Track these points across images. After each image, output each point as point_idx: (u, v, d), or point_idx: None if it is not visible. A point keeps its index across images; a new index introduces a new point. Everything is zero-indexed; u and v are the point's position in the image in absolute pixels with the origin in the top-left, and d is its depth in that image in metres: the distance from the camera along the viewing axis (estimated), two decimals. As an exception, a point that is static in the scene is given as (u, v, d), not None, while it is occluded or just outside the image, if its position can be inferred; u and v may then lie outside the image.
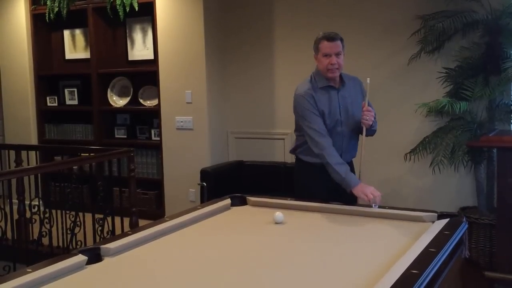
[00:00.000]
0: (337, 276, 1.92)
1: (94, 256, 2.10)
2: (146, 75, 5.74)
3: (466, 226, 2.49)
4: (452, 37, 4.43)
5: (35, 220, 4.28)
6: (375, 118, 3.20)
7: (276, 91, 5.29)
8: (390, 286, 1.65)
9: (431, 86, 4.55)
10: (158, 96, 5.56)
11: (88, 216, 4.35)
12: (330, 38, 3.03)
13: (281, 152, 5.21)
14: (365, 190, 2.84)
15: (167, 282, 1.90)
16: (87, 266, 2.04)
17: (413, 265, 1.86)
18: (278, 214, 2.63)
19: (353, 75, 3.34)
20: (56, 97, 6.30)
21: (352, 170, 3.22)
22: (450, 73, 4.42)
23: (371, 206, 2.77)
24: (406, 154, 4.63)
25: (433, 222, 2.52)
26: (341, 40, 3.08)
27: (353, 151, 3.30)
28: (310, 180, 3.22)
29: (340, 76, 3.17)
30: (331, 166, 2.97)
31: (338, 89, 3.15)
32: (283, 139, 5.25)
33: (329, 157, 2.98)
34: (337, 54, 3.04)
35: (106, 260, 2.11)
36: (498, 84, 4.05)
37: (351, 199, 3.01)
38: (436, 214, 2.59)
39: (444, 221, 2.46)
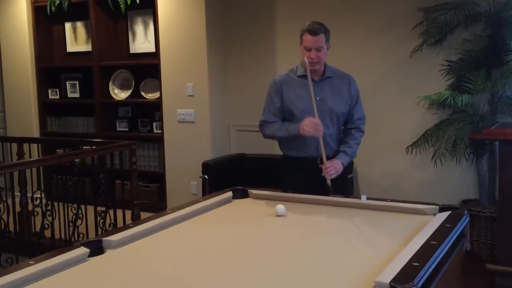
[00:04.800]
0: (338, 269, 1.93)
1: (96, 249, 2.11)
2: (147, 67, 5.73)
3: (468, 218, 2.49)
4: (455, 30, 4.41)
5: (37, 212, 4.30)
6: (354, 142, 3.19)
7: (278, 84, 5.28)
8: (391, 279, 1.65)
9: (433, 78, 4.54)
10: (159, 89, 5.56)
11: (90, 209, 4.36)
12: (313, 31, 3.01)
13: (283, 145, 5.21)
14: (305, 123, 2.94)
15: (169, 274, 1.91)
16: (89, 258, 2.04)
17: (414, 258, 1.86)
18: (280, 207, 2.63)
19: (347, 73, 3.28)
20: (57, 90, 6.29)
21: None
22: (452, 65, 4.40)
23: (360, 198, 2.79)
24: (407, 147, 4.63)
25: (434, 215, 2.52)
26: (326, 32, 3.05)
27: (333, 146, 3.19)
28: (289, 173, 3.26)
29: (324, 67, 3.16)
30: (275, 134, 3.16)
31: (317, 81, 3.13)
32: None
33: (268, 129, 3.17)
34: (318, 49, 3.03)
35: (108, 253, 2.12)
36: (500, 76, 4.04)
37: (328, 189, 3.03)
38: (437, 207, 2.59)
39: (446, 214, 2.46)
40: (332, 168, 3.02)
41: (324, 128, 3.05)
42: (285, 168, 3.32)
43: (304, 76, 3.10)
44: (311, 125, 2.94)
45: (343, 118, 3.20)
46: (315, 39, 3.01)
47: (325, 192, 2.97)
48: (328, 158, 3.07)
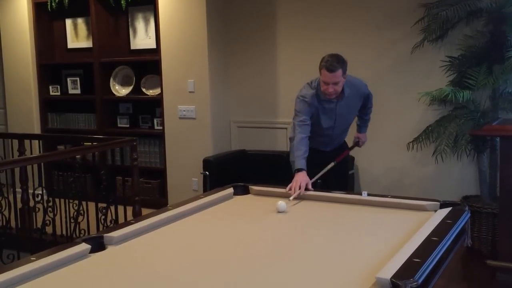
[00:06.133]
0: (339, 265, 1.93)
1: (98, 245, 2.11)
2: (148, 64, 5.73)
3: (469, 215, 2.49)
4: (456, 26, 4.40)
5: (39, 209, 4.30)
6: (369, 116, 3.82)
7: (279, 80, 5.28)
8: (392, 275, 1.66)
9: (434, 74, 4.54)
10: (160, 85, 5.55)
11: (91, 205, 4.36)
12: (330, 69, 3.23)
13: (284, 141, 5.20)
14: (295, 179, 2.98)
15: (169, 270, 1.91)
16: (90, 254, 2.05)
17: (415, 254, 1.86)
18: (281, 203, 2.63)
19: (359, 80, 3.56)
20: (58, 86, 6.29)
21: (343, 145, 3.76)
22: (454, 61, 4.40)
23: (361, 194, 2.85)
24: (408, 143, 4.62)
25: (435, 211, 2.52)
26: (343, 67, 3.27)
27: (341, 140, 3.75)
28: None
29: (342, 88, 3.42)
30: (292, 151, 3.33)
31: (337, 101, 3.43)
32: (286, 128, 5.23)
33: (296, 147, 3.29)
34: (335, 83, 3.26)
35: (110, 249, 2.12)
36: (502, 72, 4.03)
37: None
38: (438, 203, 2.59)
39: (447, 210, 2.46)
40: (362, 143, 3.82)
41: (337, 135, 3.62)
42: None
43: (327, 100, 3.42)
44: (295, 186, 2.93)
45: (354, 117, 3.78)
46: (332, 75, 3.24)
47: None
48: (336, 149, 3.63)
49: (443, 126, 4.40)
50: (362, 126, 3.89)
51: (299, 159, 3.19)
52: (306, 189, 2.93)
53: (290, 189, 2.90)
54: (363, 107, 3.74)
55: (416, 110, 4.66)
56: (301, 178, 2.98)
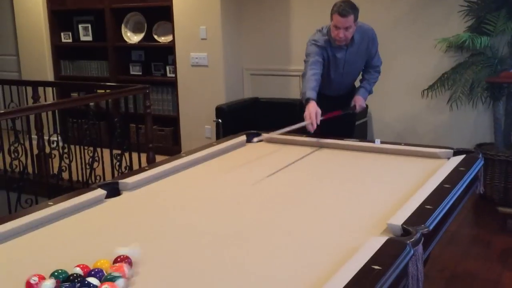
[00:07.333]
0: (351, 211, 1.95)
1: (113, 191, 2.15)
2: (160, 10, 5.64)
3: (482, 162, 2.48)
4: (476, -32, 4.26)
5: (55, 155, 4.36)
6: (373, 81, 3.58)
7: (292, 27, 5.19)
8: (403, 221, 1.67)
9: (452, 20, 4.42)
10: (172, 32, 5.49)
11: (106, 152, 4.41)
12: (343, 14, 3.17)
13: (297, 89, 5.17)
14: (307, 110, 3.03)
15: (182, 216, 1.95)
16: (106, 200, 2.09)
17: (427, 201, 1.87)
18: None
19: (367, 26, 3.43)
20: (70, 33, 6.25)
21: (352, 91, 3.61)
22: (472, 6, 4.28)
23: (373, 142, 2.84)
24: (423, 91, 4.57)
25: (448, 158, 2.51)
26: (355, 13, 3.21)
27: (348, 87, 3.62)
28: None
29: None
30: (304, 84, 3.28)
31: (347, 48, 3.37)
32: (299, 76, 5.15)
33: (307, 80, 3.26)
34: (347, 28, 3.22)
35: (124, 194, 2.16)
36: (521, 18, 3.92)
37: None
38: (452, 150, 2.58)
39: (460, 158, 2.45)
40: (359, 106, 3.50)
41: (345, 81, 3.53)
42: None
43: (337, 46, 3.35)
44: (308, 117, 3.00)
45: (363, 66, 3.57)
46: (344, 20, 3.18)
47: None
48: (343, 96, 3.52)
49: (459, 73, 4.33)
50: (362, 88, 3.58)
51: (310, 90, 3.17)
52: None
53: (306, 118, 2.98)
54: (369, 59, 3.53)
55: (432, 57, 4.58)
56: (313, 109, 3.01)
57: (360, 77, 3.61)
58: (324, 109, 3.20)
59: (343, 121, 3.50)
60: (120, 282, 1.36)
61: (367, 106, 3.69)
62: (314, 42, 3.37)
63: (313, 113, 2.97)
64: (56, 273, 1.39)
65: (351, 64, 3.45)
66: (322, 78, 3.34)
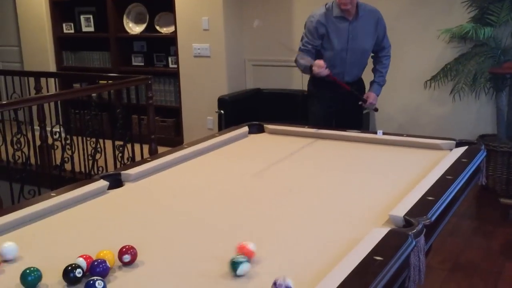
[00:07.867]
0: (353, 202, 1.95)
1: (115, 182, 2.15)
2: (162, 0, 5.62)
3: (485, 153, 2.47)
4: (480, -42, 4.23)
5: (57, 146, 4.37)
6: (385, 70, 3.63)
7: (295, 18, 5.17)
8: (405, 212, 1.67)
9: (455, 10, 4.40)
10: (174, 22, 5.47)
11: (108, 143, 4.42)
12: None
13: (299, 80, 5.16)
14: (315, 65, 3.30)
15: (185, 207, 1.95)
16: (108, 191, 2.09)
17: (429, 192, 1.87)
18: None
19: (374, 8, 3.47)
20: (72, 24, 6.24)
21: (361, 86, 3.67)
22: (476, -3, 4.26)
23: (376, 133, 2.81)
24: (426, 82, 4.56)
25: (451, 150, 2.51)
26: None
27: (357, 73, 3.61)
28: (315, 89, 3.65)
29: (357, 7, 3.38)
30: (300, 64, 3.52)
31: (351, 21, 3.36)
32: (301, 66, 5.19)
33: (300, 58, 3.50)
34: None
35: (127, 185, 2.16)
36: (525, 8, 3.90)
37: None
38: (454, 141, 2.57)
39: (462, 149, 2.45)
40: (369, 103, 3.56)
41: (351, 62, 3.49)
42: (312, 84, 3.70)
43: (339, 17, 3.39)
44: (317, 66, 3.28)
45: (371, 50, 3.57)
46: None
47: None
48: (350, 83, 3.50)
49: (462, 64, 4.32)
50: (375, 83, 3.60)
51: (309, 62, 3.37)
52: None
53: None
54: (379, 46, 3.59)
55: (434, 48, 4.56)
56: (320, 63, 3.25)
57: (368, 75, 3.63)
58: (333, 97, 3.36)
59: (353, 114, 3.61)
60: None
61: (377, 109, 3.68)
62: (309, 19, 3.47)
63: (321, 61, 3.24)
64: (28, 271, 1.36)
65: (357, 40, 3.44)
66: (327, 58, 3.42)
